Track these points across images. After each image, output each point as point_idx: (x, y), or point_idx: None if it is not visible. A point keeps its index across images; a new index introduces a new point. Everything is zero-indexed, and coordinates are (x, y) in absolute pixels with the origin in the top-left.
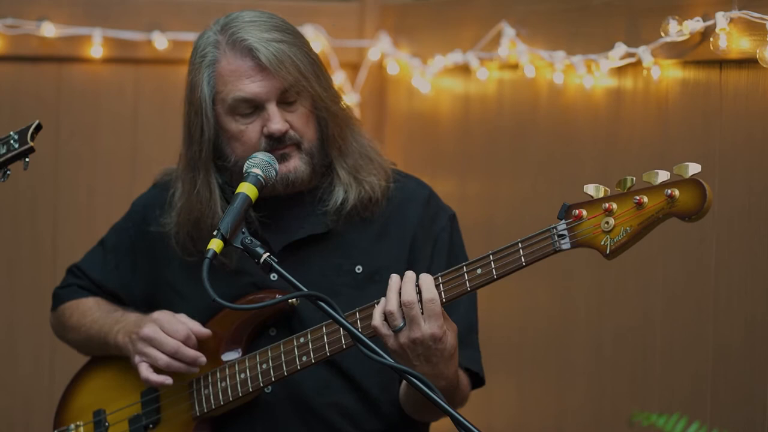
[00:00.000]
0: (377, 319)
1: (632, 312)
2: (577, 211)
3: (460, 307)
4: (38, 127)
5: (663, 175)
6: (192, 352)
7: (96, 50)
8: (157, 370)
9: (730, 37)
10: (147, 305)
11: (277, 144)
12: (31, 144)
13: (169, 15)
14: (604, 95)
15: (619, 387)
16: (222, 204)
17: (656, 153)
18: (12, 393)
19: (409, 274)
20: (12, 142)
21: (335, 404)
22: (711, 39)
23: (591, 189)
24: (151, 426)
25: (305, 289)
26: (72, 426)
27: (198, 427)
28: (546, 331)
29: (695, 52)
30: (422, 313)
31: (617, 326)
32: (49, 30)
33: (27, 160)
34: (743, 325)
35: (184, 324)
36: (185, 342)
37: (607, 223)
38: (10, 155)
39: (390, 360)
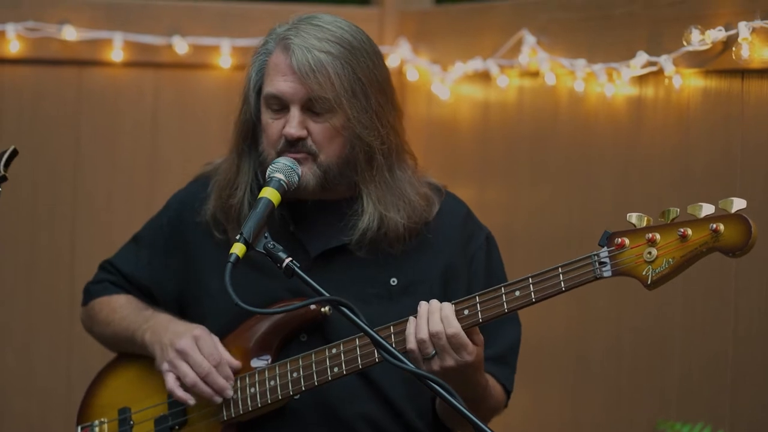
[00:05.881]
0: (412, 343)
1: (651, 318)
2: (619, 240)
3: (506, 325)
4: (13, 154)
5: (707, 209)
6: (222, 381)
7: (116, 54)
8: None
9: (753, 47)
10: (177, 303)
11: (290, 148)
12: (4, 173)
13: (189, 19)
14: (625, 104)
15: (637, 394)
16: (245, 190)
17: (677, 162)
18: (29, 398)
19: (434, 305)
20: None
21: (362, 414)
22: (733, 48)
23: (634, 218)
24: (177, 427)
25: (327, 294)
26: (96, 422)
27: (224, 431)
28: (563, 338)
29: (717, 62)
30: (450, 346)
31: (636, 332)
32: (70, 33)
33: None
34: (764, 331)
35: (219, 352)
36: (217, 367)
37: (650, 253)
38: None
39: (411, 366)
